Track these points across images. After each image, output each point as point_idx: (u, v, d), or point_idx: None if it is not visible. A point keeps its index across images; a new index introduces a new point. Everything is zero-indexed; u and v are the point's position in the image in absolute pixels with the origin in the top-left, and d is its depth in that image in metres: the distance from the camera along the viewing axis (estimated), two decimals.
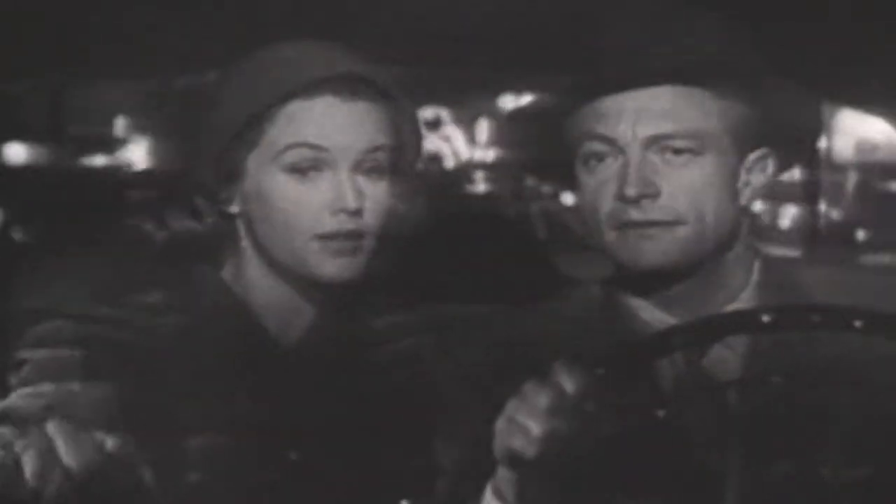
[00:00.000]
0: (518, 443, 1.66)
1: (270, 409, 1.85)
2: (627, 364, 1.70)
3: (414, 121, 1.90)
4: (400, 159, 1.89)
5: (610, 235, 1.87)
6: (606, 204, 1.86)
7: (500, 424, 1.68)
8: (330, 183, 1.84)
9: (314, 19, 2.18)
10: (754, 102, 1.88)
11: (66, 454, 1.71)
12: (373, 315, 1.97)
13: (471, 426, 1.78)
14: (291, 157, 1.83)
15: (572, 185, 1.94)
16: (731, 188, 1.88)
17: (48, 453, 1.70)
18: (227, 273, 1.93)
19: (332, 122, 1.83)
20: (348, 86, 1.84)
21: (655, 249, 1.85)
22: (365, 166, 1.85)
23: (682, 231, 1.85)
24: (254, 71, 1.86)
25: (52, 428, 1.72)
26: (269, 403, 1.85)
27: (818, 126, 1.97)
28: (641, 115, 1.85)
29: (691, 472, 1.81)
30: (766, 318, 1.67)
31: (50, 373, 1.85)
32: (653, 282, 1.89)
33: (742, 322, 1.71)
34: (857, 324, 1.66)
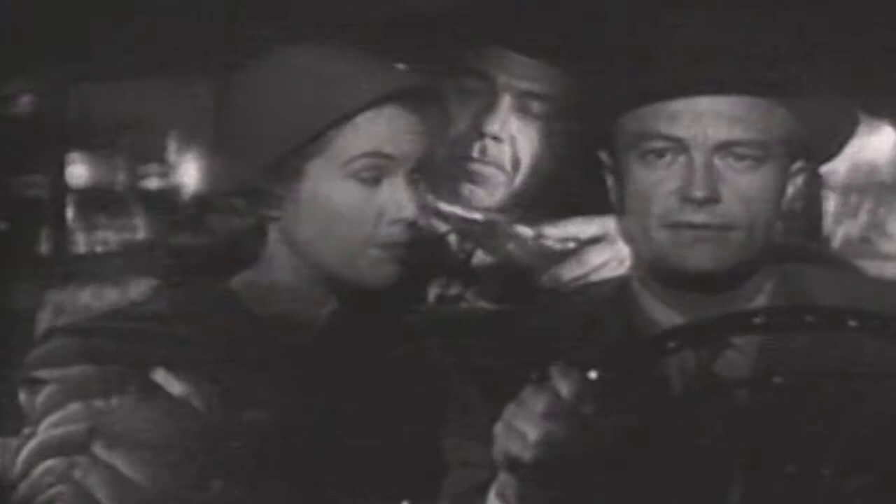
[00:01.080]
0: (515, 447, 1.66)
1: (278, 410, 1.87)
2: (624, 366, 1.70)
3: (444, 120, 1.96)
4: (429, 161, 1.94)
5: (659, 233, 1.88)
6: (660, 202, 1.87)
7: (498, 429, 1.68)
8: (389, 191, 1.89)
9: (331, 21, 2.21)
10: (806, 115, 1.90)
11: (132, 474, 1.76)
12: (380, 317, 2.00)
13: (479, 425, 1.78)
14: (360, 165, 1.88)
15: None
16: (780, 198, 1.91)
17: (114, 478, 1.78)
18: (240, 281, 1.95)
19: (397, 132, 1.89)
20: (410, 97, 1.90)
21: (708, 253, 1.87)
22: (416, 175, 1.91)
23: (734, 237, 1.87)
24: (317, 82, 1.89)
25: (105, 454, 1.77)
26: (277, 405, 1.87)
27: (844, 145, 1.99)
28: (714, 118, 1.86)
29: (697, 473, 1.81)
30: (758, 320, 1.68)
31: (74, 392, 1.87)
32: (684, 285, 1.90)
33: (735, 324, 1.72)
34: (851, 323, 1.66)
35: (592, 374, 1.66)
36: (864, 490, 1.80)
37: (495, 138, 2.26)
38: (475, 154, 2.28)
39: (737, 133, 1.85)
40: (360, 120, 1.88)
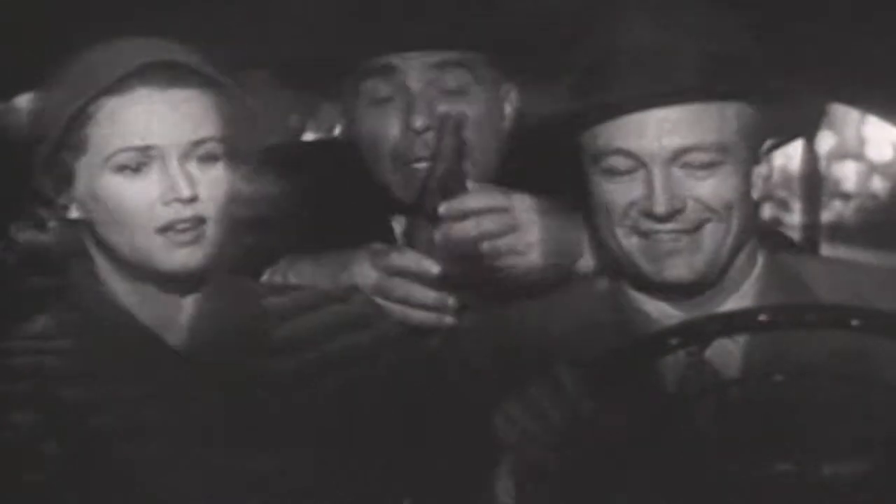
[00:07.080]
0: (514, 439, 1.67)
1: (176, 413, 1.85)
2: (623, 365, 1.70)
3: (246, 105, 1.89)
4: (236, 145, 1.87)
5: (630, 241, 1.89)
6: (626, 214, 1.88)
7: (499, 421, 1.68)
8: (160, 175, 1.83)
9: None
10: (763, 106, 1.89)
11: None
12: (260, 299, 1.97)
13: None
14: (120, 159, 1.83)
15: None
16: (749, 187, 1.90)
17: None
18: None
19: (152, 117, 1.83)
20: (164, 75, 1.84)
21: (681, 263, 1.87)
22: (196, 154, 1.85)
23: (705, 233, 1.87)
24: (72, 72, 1.86)
25: None
26: (174, 407, 1.85)
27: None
28: (664, 127, 1.86)
29: (694, 471, 1.81)
30: (762, 318, 1.68)
31: None
32: (661, 292, 1.91)
33: (739, 322, 1.72)
34: (854, 322, 1.66)
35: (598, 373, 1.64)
36: (860, 484, 1.80)
37: (428, 129, 2.16)
38: (423, 153, 2.18)
39: (691, 139, 1.85)
40: (110, 109, 1.82)
